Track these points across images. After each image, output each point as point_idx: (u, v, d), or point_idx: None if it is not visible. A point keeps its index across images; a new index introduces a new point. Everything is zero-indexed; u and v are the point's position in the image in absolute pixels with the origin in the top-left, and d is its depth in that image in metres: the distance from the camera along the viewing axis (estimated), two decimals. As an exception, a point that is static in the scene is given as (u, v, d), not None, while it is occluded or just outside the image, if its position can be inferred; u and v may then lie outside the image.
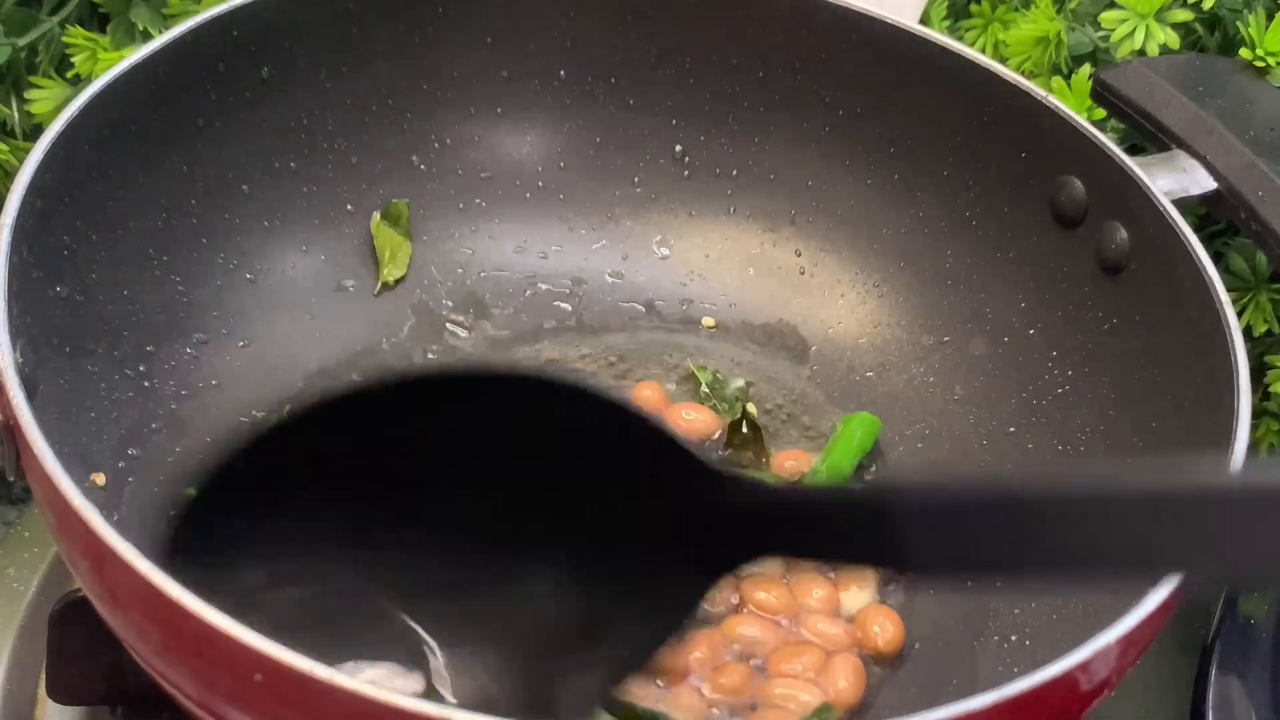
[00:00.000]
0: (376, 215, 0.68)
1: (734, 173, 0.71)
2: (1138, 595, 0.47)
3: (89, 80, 0.59)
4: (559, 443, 0.45)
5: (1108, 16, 0.69)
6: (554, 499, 0.46)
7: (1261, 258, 0.69)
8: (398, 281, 0.68)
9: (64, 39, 0.68)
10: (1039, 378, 0.63)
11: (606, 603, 0.47)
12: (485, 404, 0.45)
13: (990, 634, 0.56)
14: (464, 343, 0.67)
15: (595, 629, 0.47)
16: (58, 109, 0.58)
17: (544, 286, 0.70)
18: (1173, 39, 0.68)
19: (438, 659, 0.49)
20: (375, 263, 0.68)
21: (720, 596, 0.56)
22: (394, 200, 0.68)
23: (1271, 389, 0.66)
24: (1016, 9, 0.75)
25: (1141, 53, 0.68)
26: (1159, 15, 0.68)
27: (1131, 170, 0.60)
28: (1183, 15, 0.69)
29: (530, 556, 0.47)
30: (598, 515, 0.46)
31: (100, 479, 0.53)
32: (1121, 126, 0.68)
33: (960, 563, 0.38)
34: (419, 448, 0.46)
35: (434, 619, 0.49)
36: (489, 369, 0.51)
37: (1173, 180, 0.62)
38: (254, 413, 0.61)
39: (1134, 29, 0.68)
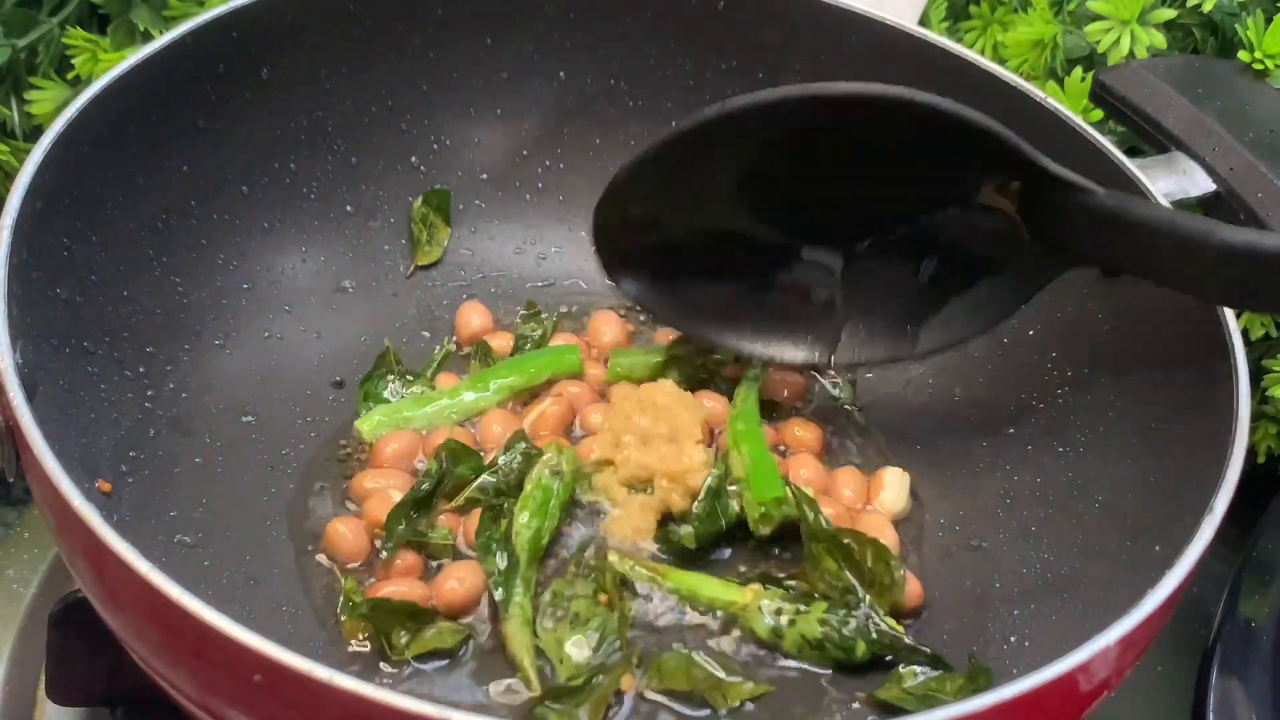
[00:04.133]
0: (418, 200, 0.69)
1: (734, 174, 0.71)
2: (1137, 596, 0.47)
3: (89, 81, 0.59)
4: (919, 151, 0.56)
5: (1092, 28, 0.69)
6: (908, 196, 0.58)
7: (1260, 259, 0.69)
8: (431, 264, 0.69)
9: (64, 40, 0.68)
10: (1039, 378, 0.63)
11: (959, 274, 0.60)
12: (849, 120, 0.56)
13: (992, 633, 0.56)
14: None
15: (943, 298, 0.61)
16: (58, 110, 0.58)
17: (544, 287, 0.70)
18: (1159, 40, 0.68)
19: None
20: (407, 247, 0.69)
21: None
22: (437, 187, 0.69)
23: (1269, 393, 0.66)
24: (1015, 11, 0.75)
25: (1132, 55, 0.68)
26: (1141, 18, 0.68)
27: (1131, 172, 0.60)
28: (1166, 14, 0.69)
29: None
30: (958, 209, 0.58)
31: (106, 487, 0.53)
32: (1121, 129, 0.68)
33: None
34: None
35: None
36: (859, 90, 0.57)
37: (1172, 182, 0.62)
38: (254, 413, 0.61)
39: (1119, 36, 0.68)
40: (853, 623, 0.55)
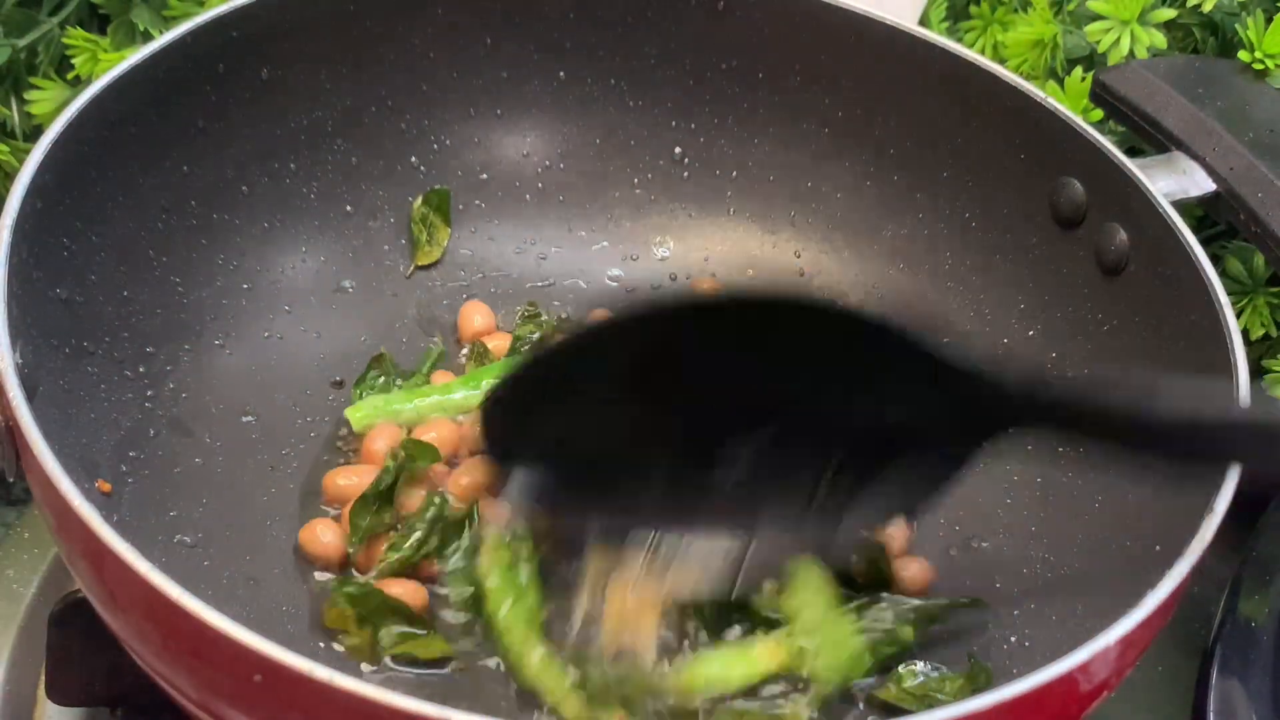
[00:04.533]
0: (418, 200, 0.68)
1: (733, 174, 0.71)
2: (1137, 596, 0.47)
3: (89, 81, 0.59)
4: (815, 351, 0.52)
5: (1093, 28, 0.69)
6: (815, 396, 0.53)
7: (1258, 261, 0.69)
8: (431, 265, 0.69)
9: (64, 40, 0.68)
10: (1039, 379, 0.63)
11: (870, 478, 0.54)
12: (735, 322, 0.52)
13: (992, 633, 0.56)
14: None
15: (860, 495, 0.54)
16: (58, 110, 0.58)
17: (544, 287, 0.70)
18: (1159, 40, 0.68)
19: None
20: (407, 247, 0.68)
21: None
22: (437, 187, 0.69)
23: (1270, 393, 0.66)
24: (1016, 10, 0.75)
25: (1132, 55, 0.68)
26: (1142, 18, 0.68)
27: (1131, 172, 0.60)
28: (1166, 14, 0.69)
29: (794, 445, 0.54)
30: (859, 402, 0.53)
31: (106, 487, 0.53)
32: (1121, 128, 0.68)
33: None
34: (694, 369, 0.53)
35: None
36: (747, 293, 0.55)
37: (1172, 182, 0.62)
38: (254, 413, 0.61)
39: (1119, 36, 0.68)
40: (886, 615, 0.55)
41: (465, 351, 0.66)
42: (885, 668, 0.55)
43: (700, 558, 0.55)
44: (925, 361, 0.51)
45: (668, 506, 0.55)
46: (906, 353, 0.51)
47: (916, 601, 0.56)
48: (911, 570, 0.58)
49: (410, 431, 0.61)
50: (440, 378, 0.64)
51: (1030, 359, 0.63)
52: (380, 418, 0.62)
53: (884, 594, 0.56)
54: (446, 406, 0.62)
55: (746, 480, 0.54)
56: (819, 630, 0.55)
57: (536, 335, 0.66)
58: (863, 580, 0.57)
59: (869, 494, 0.54)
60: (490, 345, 0.66)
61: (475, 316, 0.67)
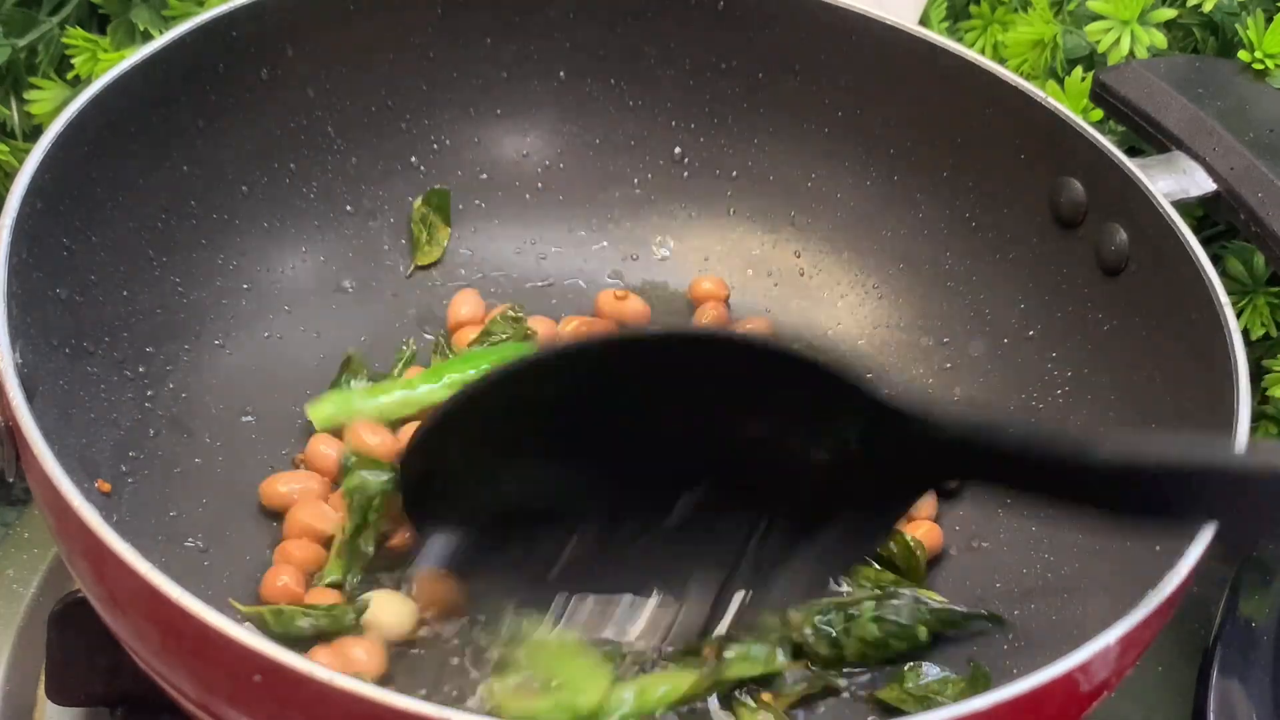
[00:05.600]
0: (418, 200, 0.68)
1: (733, 174, 0.71)
2: (1137, 596, 0.47)
3: (89, 81, 0.59)
4: (746, 390, 0.50)
5: (1093, 28, 0.69)
6: (744, 440, 0.51)
7: (1258, 261, 0.69)
8: (431, 264, 0.68)
9: (64, 40, 0.68)
10: (1039, 378, 0.63)
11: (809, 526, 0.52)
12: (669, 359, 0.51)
13: (992, 633, 0.56)
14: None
15: (797, 546, 0.53)
16: (58, 109, 0.58)
17: (544, 287, 0.70)
18: (1159, 40, 0.68)
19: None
20: (407, 247, 0.68)
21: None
22: (437, 187, 0.69)
23: (1269, 393, 0.67)
24: (1016, 10, 0.75)
25: (1132, 55, 0.68)
26: (1142, 18, 0.68)
27: (1131, 172, 0.60)
28: (1166, 14, 0.69)
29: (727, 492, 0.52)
30: (793, 452, 0.51)
31: (106, 487, 0.53)
32: (1121, 129, 0.68)
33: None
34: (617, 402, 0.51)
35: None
36: (672, 332, 0.54)
37: (1172, 182, 0.62)
38: (254, 413, 0.61)
39: (1119, 36, 0.68)
40: (905, 609, 0.55)
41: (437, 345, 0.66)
42: (890, 662, 0.55)
43: (622, 617, 0.53)
44: (862, 405, 0.49)
45: (591, 567, 0.53)
46: (844, 396, 0.49)
47: (937, 604, 0.56)
48: (921, 531, 0.59)
49: (349, 435, 0.59)
50: (413, 374, 0.64)
51: (1028, 360, 0.63)
52: (344, 415, 0.61)
53: (904, 590, 0.56)
54: (410, 402, 0.62)
55: (674, 539, 0.52)
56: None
57: (505, 337, 0.65)
58: (900, 564, 0.58)
59: (800, 554, 0.52)
60: (458, 335, 0.65)
61: (463, 307, 0.67)
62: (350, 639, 0.53)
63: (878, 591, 0.56)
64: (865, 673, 0.55)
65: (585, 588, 0.53)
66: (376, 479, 0.56)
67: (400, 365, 0.65)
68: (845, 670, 0.55)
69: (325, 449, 0.59)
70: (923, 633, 0.55)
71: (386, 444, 0.59)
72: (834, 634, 0.55)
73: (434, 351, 0.66)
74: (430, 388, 0.62)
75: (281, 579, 0.55)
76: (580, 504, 0.52)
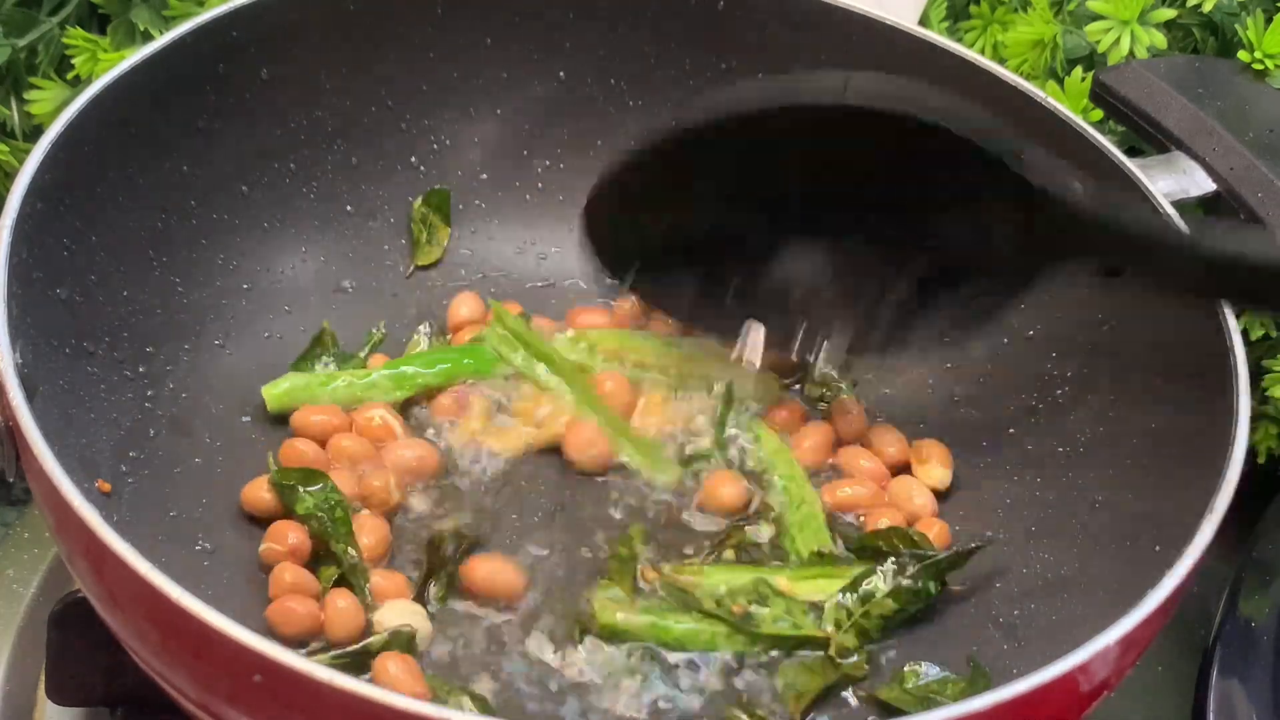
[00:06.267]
0: (418, 200, 0.68)
1: (733, 174, 0.71)
2: (1137, 596, 0.47)
3: (89, 81, 0.59)
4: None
5: (1093, 28, 0.69)
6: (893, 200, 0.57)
7: (1260, 260, 0.69)
8: (431, 264, 0.69)
9: (64, 40, 0.68)
10: (1039, 378, 0.63)
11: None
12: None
13: (992, 633, 0.56)
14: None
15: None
16: (58, 110, 0.58)
17: (544, 287, 0.70)
18: (1159, 40, 0.68)
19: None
20: (407, 247, 0.69)
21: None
22: (437, 187, 0.69)
23: (1269, 393, 0.66)
24: (1015, 10, 0.75)
25: (1132, 55, 0.68)
26: (1142, 18, 0.68)
27: (1131, 172, 0.60)
28: (1166, 14, 0.69)
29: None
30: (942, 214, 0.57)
31: (106, 487, 0.53)
32: (1121, 129, 0.68)
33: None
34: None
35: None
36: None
37: (1172, 181, 0.62)
38: (254, 413, 0.61)
39: (1119, 36, 0.68)
40: (909, 570, 0.57)
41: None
42: (907, 622, 0.57)
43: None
44: (1005, 177, 0.54)
45: (746, 295, 0.62)
46: (990, 168, 0.54)
47: (932, 555, 0.57)
48: (934, 531, 0.60)
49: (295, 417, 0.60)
50: (376, 361, 0.64)
51: (1028, 360, 0.63)
52: (300, 398, 0.61)
53: (905, 552, 0.58)
54: (363, 390, 0.62)
55: (817, 279, 0.60)
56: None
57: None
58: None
59: (925, 312, 0.59)
60: (457, 336, 0.66)
61: (462, 308, 0.67)
62: (385, 656, 0.53)
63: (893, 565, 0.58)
64: (866, 674, 0.55)
65: (750, 315, 0.63)
66: (317, 491, 0.56)
67: (366, 349, 0.65)
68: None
69: (303, 448, 0.60)
70: (932, 586, 0.57)
71: (328, 427, 0.60)
72: (855, 617, 0.56)
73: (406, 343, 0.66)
74: (386, 374, 0.62)
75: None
76: (742, 246, 0.60)
